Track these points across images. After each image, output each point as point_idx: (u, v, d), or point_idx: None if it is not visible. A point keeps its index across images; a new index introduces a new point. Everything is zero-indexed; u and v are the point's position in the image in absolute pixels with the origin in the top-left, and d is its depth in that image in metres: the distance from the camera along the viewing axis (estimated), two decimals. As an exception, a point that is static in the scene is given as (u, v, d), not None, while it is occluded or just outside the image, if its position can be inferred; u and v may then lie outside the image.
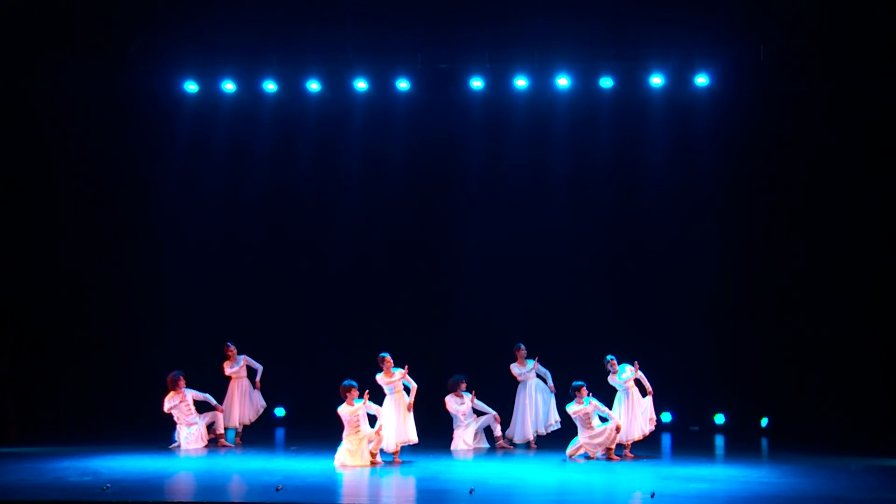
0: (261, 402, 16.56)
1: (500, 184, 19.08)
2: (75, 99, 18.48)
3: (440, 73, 18.54)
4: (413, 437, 14.50)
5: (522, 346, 16.20)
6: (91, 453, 14.79)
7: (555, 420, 15.91)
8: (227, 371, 16.46)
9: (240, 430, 16.49)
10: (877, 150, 17.51)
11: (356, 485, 12.72)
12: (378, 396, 14.47)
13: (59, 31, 17.68)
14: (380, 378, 14.61)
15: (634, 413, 14.80)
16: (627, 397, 14.84)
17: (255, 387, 16.47)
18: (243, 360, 16.47)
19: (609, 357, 14.93)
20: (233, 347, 16.46)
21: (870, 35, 17.08)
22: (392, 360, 14.63)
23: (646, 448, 15.46)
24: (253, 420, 16.56)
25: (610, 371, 14.89)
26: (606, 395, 14.97)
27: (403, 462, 14.27)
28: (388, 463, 14.11)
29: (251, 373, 16.54)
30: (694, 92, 18.20)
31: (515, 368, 16.20)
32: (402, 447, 14.58)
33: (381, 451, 14.23)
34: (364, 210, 19.28)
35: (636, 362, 14.84)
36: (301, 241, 19.27)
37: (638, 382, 14.95)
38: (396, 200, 19.22)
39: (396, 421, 14.37)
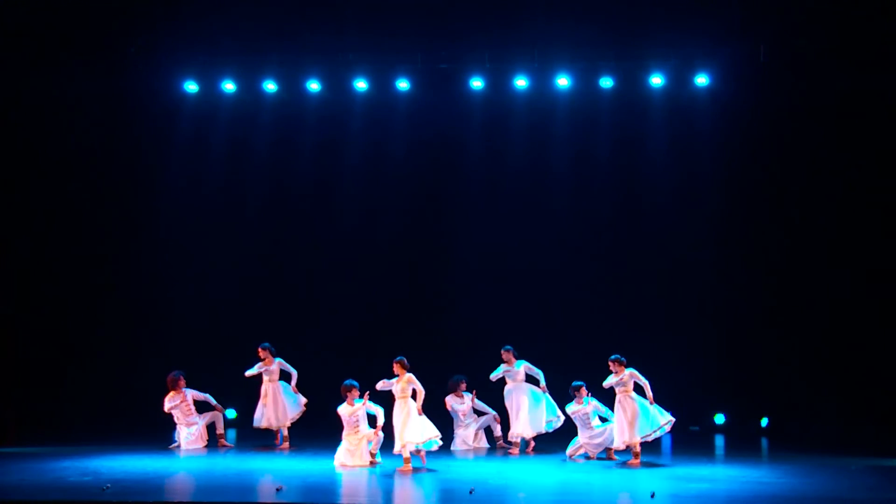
0: (302, 401, 15.98)
1: (501, 184, 19.08)
2: (76, 99, 18.49)
3: (440, 73, 18.54)
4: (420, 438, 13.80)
5: (510, 349, 15.67)
6: (91, 453, 14.80)
7: (555, 417, 15.40)
8: (265, 374, 15.93)
9: (283, 431, 15.98)
10: (877, 149, 17.51)
11: (355, 485, 12.72)
12: (378, 399, 14.40)
13: (59, 31, 17.69)
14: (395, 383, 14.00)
15: (622, 420, 14.23)
16: (621, 401, 14.24)
17: (293, 390, 15.91)
18: (277, 363, 15.91)
19: (614, 357, 14.29)
20: (265, 350, 15.90)
21: (870, 35, 17.08)
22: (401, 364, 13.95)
23: (645, 447, 15.48)
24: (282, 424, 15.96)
25: (613, 372, 14.33)
26: (606, 396, 14.94)
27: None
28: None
29: (285, 376, 15.99)
30: (694, 92, 18.21)
31: (506, 371, 15.68)
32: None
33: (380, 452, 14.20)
34: (364, 210, 19.29)
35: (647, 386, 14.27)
36: (301, 241, 19.27)
37: (640, 388, 14.65)
38: (396, 201, 19.23)
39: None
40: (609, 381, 14.20)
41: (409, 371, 13.75)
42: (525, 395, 15.49)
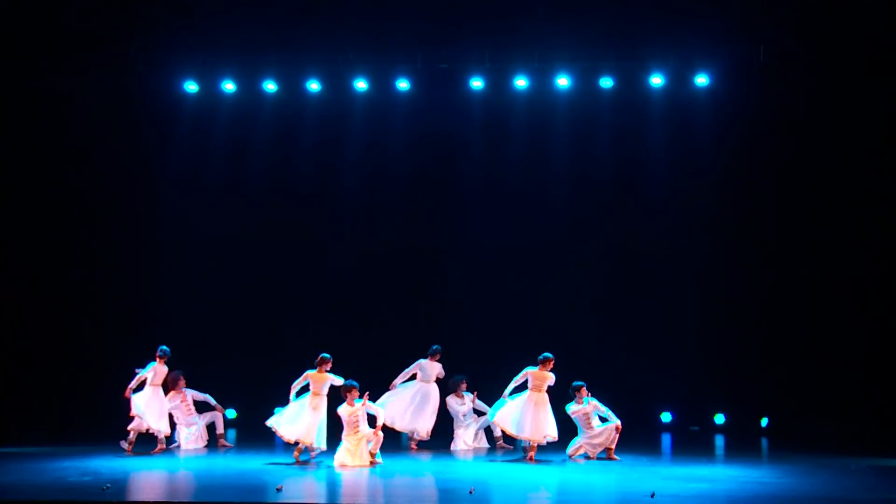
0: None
1: (501, 184, 19.08)
2: (76, 99, 18.50)
3: (440, 73, 18.55)
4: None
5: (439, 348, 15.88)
6: (91, 453, 14.79)
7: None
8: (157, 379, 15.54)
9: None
10: (876, 149, 17.52)
11: (356, 485, 12.72)
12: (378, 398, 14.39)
13: (60, 31, 17.68)
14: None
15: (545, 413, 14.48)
16: (534, 399, 14.42)
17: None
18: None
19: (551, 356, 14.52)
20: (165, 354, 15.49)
21: (869, 35, 17.09)
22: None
23: (645, 447, 15.51)
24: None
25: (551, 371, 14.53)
26: (603, 396, 14.95)
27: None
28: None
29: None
30: (694, 92, 18.21)
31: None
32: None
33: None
34: (364, 210, 19.28)
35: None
36: (301, 240, 19.27)
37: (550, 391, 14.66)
38: (396, 201, 19.22)
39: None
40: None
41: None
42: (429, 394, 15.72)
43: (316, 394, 14.10)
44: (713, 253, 18.36)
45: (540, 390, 14.35)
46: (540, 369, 14.34)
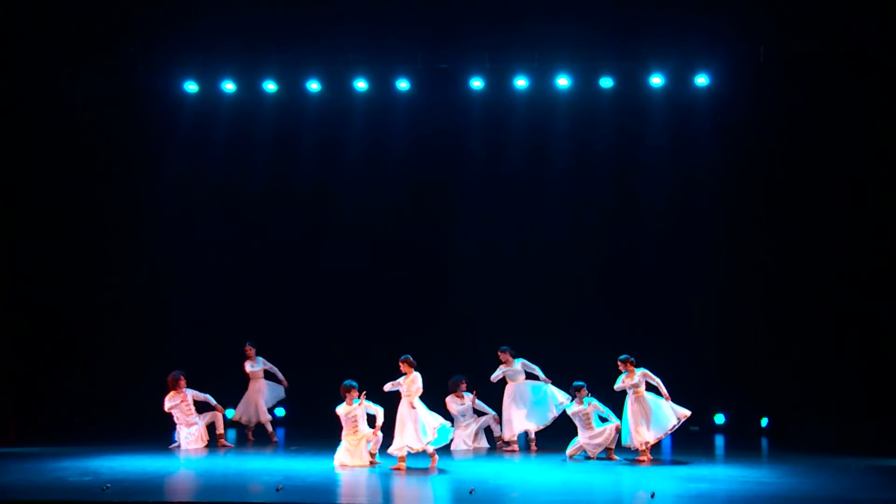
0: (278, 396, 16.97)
1: (501, 184, 19.08)
2: (76, 99, 18.48)
3: (440, 73, 18.54)
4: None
5: (507, 349, 15.94)
6: (91, 453, 14.80)
7: (557, 404, 15.39)
8: (248, 370, 16.78)
9: (251, 426, 16.78)
10: (876, 150, 17.51)
11: (355, 485, 12.72)
12: (379, 398, 14.39)
13: (60, 31, 17.67)
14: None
15: (638, 419, 14.35)
16: (635, 401, 14.46)
17: (282, 384, 16.88)
18: (262, 361, 16.87)
19: (624, 357, 14.48)
20: (252, 348, 16.83)
21: (869, 35, 17.08)
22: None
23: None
24: (256, 422, 16.77)
25: (624, 372, 14.46)
26: (603, 396, 14.95)
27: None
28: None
29: (269, 374, 16.89)
30: (694, 92, 18.20)
31: (506, 371, 15.95)
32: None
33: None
34: (364, 211, 19.28)
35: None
36: (301, 241, 19.27)
37: (653, 388, 14.59)
38: (397, 201, 19.23)
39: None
40: (622, 384, 14.37)
41: (415, 369, 13.82)
42: (528, 391, 15.63)
43: None
44: (713, 252, 18.35)
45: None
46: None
